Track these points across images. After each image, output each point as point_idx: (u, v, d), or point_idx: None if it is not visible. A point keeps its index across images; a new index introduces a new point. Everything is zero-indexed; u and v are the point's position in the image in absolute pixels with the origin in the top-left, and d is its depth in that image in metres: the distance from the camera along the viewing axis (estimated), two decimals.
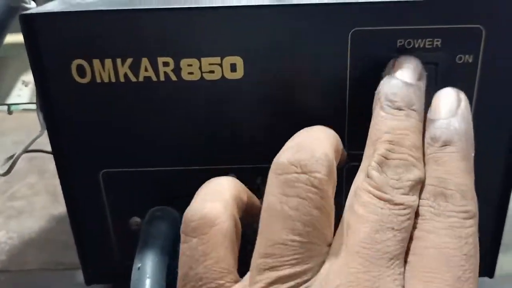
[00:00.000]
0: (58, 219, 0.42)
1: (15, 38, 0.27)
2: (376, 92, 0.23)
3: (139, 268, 0.24)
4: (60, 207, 0.44)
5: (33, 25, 0.24)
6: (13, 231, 0.40)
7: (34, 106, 0.28)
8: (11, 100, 0.29)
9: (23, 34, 0.24)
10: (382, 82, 0.23)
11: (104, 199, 0.28)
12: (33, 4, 0.26)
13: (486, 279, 0.31)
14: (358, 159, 0.27)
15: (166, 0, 0.25)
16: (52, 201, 0.45)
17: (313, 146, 0.21)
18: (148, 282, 0.23)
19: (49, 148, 0.28)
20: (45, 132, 0.25)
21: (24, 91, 0.29)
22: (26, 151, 0.26)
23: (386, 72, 0.24)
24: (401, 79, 0.22)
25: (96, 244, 0.29)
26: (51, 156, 0.27)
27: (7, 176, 0.49)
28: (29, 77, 0.29)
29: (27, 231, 0.40)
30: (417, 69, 0.23)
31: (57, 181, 0.48)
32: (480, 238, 0.29)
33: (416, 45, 0.24)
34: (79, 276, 0.35)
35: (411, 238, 0.20)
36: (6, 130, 0.62)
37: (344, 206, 0.28)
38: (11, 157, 0.27)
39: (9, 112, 0.32)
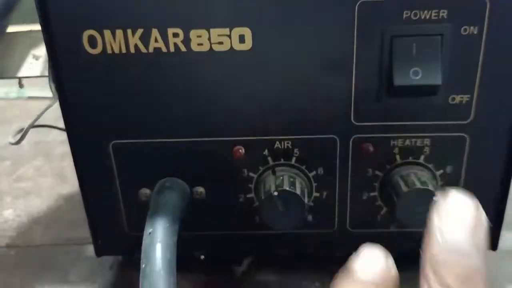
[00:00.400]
0: (65, 199, 0.42)
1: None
2: (421, 260, 0.18)
3: (150, 233, 0.24)
4: (67, 188, 0.44)
5: None
6: (20, 210, 0.41)
7: (41, 90, 0.28)
8: (22, 73, 0.29)
9: (36, 6, 0.24)
10: (426, 244, 0.17)
11: (114, 170, 0.29)
12: None
13: (490, 251, 0.31)
14: (364, 131, 0.28)
15: None
16: (59, 182, 0.45)
17: None
18: (159, 246, 0.24)
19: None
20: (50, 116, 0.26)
21: (35, 64, 0.29)
22: (33, 125, 0.27)
23: (430, 223, 0.18)
24: (454, 244, 0.17)
25: (106, 216, 0.30)
26: (56, 140, 0.27)
27: (14, 159, 0.50)
28: (39, 51, 0.30)
29: (35, 209, 0.41)
30: (474, 217, 0.17)
31: (63, 163, 0.49)
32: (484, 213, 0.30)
33: (422, 17, 0.25)
34: (87, 250, 0.35)
35: None
36: (11, 117, 0.63)
37: (350, 183, 0.29)
38: (22, 130, 0.28)
39: (20, 85, 0.32)
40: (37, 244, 0.36)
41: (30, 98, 0.71)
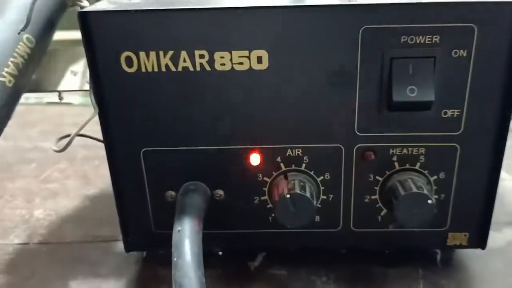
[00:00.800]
0: (91, 199, 0.46)
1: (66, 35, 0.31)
2: None
3: (179, 231, 0.28)
4: (91, 189, 0.48)
5: (89, 22, 0.28)
6: (50, 209, 0.44)
7: (74, 95, 0.31)
8: (61, 87, 0.33)
9: (80, 29, 0.28)
10: None
11: (144, 175, 0.32)
12: (86, 3, 0.30)
13: (479, 250, 0.34)
14: (367, 141, 0.31)
15: (203, 0, 0.29)
16: (84, 183, 0.49)
17: None
18: (187, 242, 0.27)
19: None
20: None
21: (73, 80, 0.33)
22: (79, 134, 0.30)
23: None
24: None
25: (136, 215, 0.33)
26: (78, 145, 0.30)
27: (39, 162, 0.54)
28: (77, 67, 0.33)
29: (63, 209, 0.44)
30: None
31: (86, 167, 0.53)
32: (474, 215, 0.33)
33: (418, 41, 0.28)
34: (115, 247, 0.39)
35: None
36: (33, 121, 0.66)
37: (354, 187, 0.32)
38: (63, 137, 0.31)
39: (60, 97, 0.36)
40: (67, 241, 0.40)
41: (49, 103, 0.74)
